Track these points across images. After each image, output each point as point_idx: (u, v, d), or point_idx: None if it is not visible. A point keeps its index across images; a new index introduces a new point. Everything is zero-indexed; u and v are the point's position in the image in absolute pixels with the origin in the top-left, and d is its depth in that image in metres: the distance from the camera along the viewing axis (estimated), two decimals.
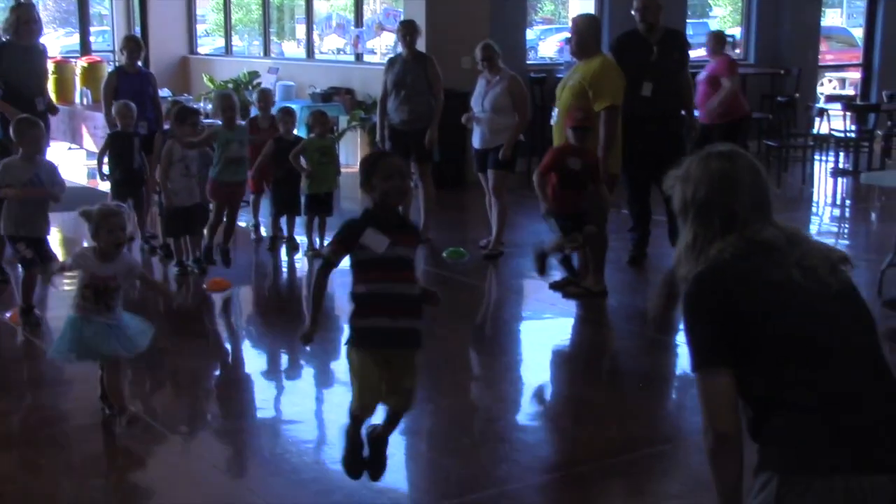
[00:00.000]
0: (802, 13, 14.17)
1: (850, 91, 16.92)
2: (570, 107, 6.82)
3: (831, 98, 14.56)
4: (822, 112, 12.20)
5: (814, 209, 11.04)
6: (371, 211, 3.85)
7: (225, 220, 7.69)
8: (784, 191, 11.31)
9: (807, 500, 2.30)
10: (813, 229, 9.87)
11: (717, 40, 10.55)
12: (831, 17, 21.84)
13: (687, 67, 7.81)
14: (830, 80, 18.92)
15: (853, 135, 12.17)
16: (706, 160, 2.59)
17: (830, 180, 12.31)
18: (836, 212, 11.09)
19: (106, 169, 8.19)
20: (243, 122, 7.83)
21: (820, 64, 15.73)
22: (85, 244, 8.63)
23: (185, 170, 7.35)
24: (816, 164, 12.64)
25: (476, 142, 8.22)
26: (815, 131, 12.18)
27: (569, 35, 7.28)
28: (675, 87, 7.65)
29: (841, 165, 12.58)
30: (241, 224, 9.17)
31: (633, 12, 7.69)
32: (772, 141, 11.95)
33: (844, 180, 12.18)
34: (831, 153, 12.81)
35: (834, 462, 2.31)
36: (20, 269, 6.46)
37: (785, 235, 2.51)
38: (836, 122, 12.36)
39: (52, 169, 6.36)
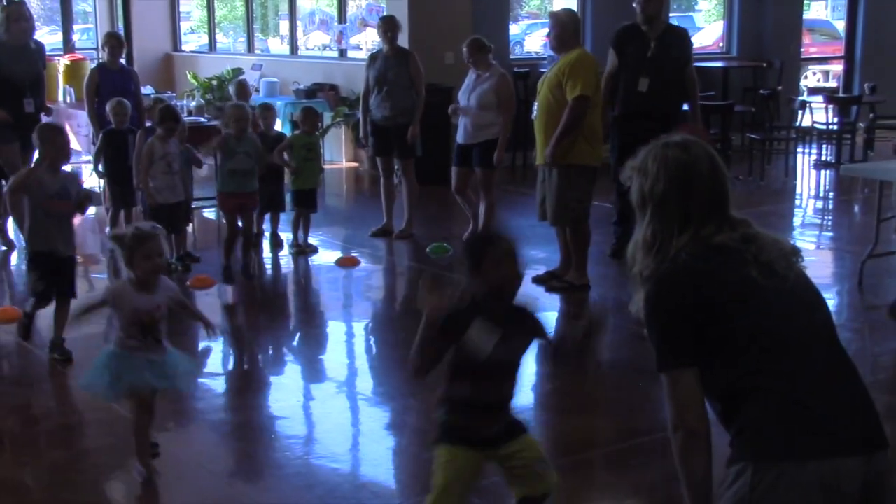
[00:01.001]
0: (785, 6, 14.22)
1: (833, 83, 16.97)
2: (548, 102, 6.83)
3: (814, 90, 14.60)
4: (804, 104, 12.26)
5: (797, 201, 11.09)
6: (478, 299, 3.23)
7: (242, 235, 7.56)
8: (767, 183, 11.37)
9: (780, 486, 2.33)
10: (796, 221, 9.94)
11: None
12: (816, 10, 21.90)
13: (690, 65, 7.64)
14: (815, 73, 18.98)
15: (836, 127, 12.22)
16: (663, 151, 2.57)
17: (813, 172, 12.37)
18: (819, 204, 11.15)
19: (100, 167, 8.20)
20: (254, 133, 7.56)
21: (803, 56, 15.79)
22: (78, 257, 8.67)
23: (167, 167, 7.35)
24: (799, 156, 12.70)
25: (460, 136, 8.24)
26: (797, 124, 12.23)
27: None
28: (674, 84, 7.53)
29: (824, 158, 12.64)
30: (212, 217, 9.19)
31: (634, 4, 7.60)
32: (755, 134, 12.00)
33: (827, 172, 12.24)
34: (814, 146, 12.86)
35: (806, 446, 2.34)
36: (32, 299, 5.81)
37: (739, 235, 2.52)
38: (818, 114, 12.42)
39: (78, 179, 5.92)
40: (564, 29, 6.97)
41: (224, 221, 7.89)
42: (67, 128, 11.87)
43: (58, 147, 5.58)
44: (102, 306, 4.28)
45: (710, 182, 2.55)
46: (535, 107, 7.05)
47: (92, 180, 9.64)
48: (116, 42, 9.05)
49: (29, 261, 5.73)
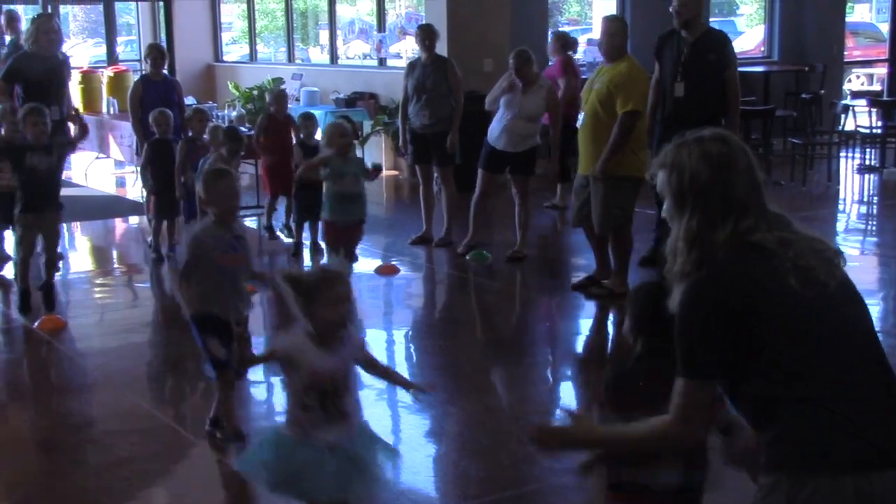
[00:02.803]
0: (827, 8, 14.09)
1: (877, 87, 16.79)
2: (596, 112, 6.79)
3: (857, 94, 14.44)
4: (847, 108, 12.12)
5: (840, 206, 10.97)
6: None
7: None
8: (809, 188, 11.25)
9: (818, 499, 2.29)
10: (839, 227, 9.83)
11: (558, 41, 10.11)
12: (860, 13, 21.71)
13: (731, 70, 7.49)
14: (858, 77, 18.79)
15: (879, 131, 12.08)
16: (700, 145, 2.51)
17: (857, 177, 12.23)
18: (863, 209, 11.02)
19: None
20: (360, 154, 7.02)
21: (847, 60, 15.61)
22: (121, 262, 8.73)
23: None
24: (842, 161, 12.55)
25: (498, 142, 8.06)
26: (840, 128, 12.09)
27: (594, 36, 7.21)
28: (712, 89, 7.42)
29: (867, 162, 12.49)
30: (252, 226, 9.25)
31: (670, 9, 7.54)
32: (796, 138, 11.89)
33: (871, 177, 12.10)
34: (857, 150, 12.71)
35: (844, 458, 2.30)
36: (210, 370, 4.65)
37: (776, 237, 2.46)
38: (861, 118, 12.28)
39: (245, 233, 4.77)
40: (616, 38, 6.92)
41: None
42: (111, 139, 12.17)
43: (222, 195, 4.51)
44: (268, 359, 3.56)
45: (747, 175, 2.50)
46: (581, 115, 7.01)
47: (135, 190, 9.75)
48: (159, 53, 9.17)
49: (196, 323, 4.57)
